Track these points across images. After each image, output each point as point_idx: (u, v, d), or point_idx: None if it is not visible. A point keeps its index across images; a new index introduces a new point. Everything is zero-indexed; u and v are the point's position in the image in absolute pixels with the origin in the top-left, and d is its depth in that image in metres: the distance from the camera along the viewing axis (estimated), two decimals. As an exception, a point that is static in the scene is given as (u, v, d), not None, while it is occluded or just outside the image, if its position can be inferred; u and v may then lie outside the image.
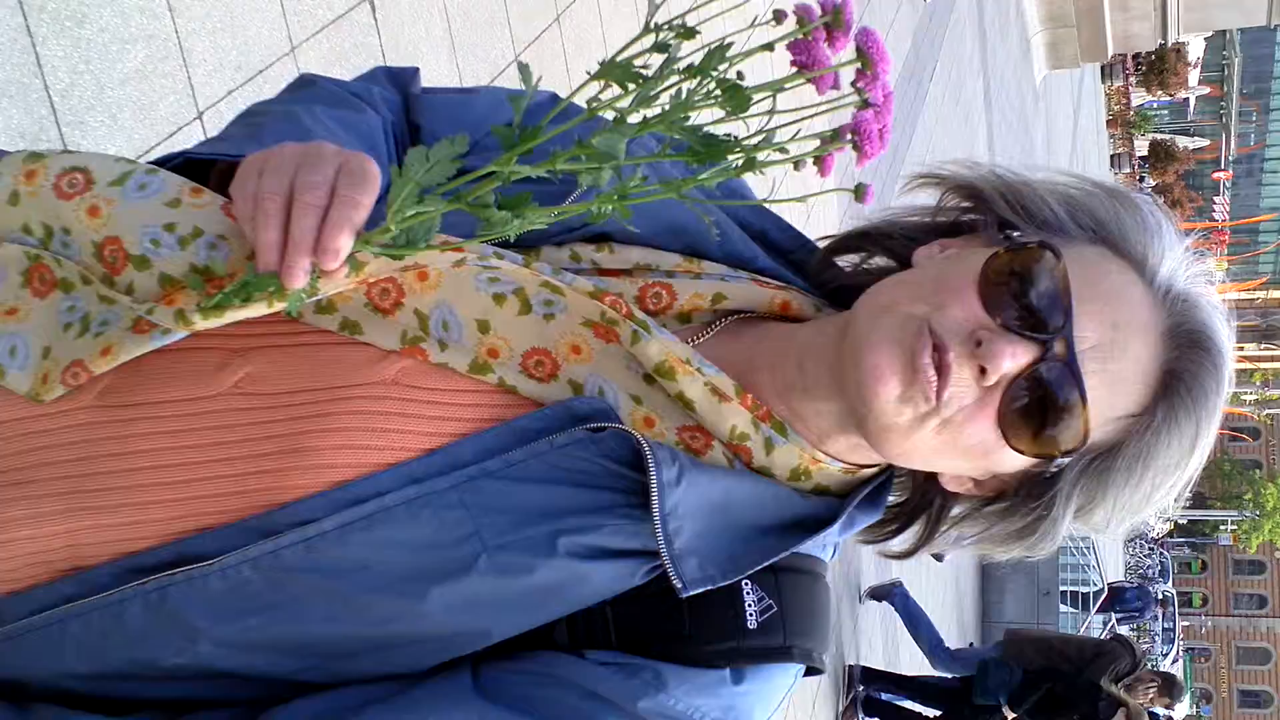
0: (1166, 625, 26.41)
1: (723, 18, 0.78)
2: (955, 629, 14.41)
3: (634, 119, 0.77)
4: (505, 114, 1.20)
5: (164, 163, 1.04)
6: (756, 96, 0.76)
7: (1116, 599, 18.66)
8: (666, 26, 0.76)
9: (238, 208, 0.87)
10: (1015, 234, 1.04)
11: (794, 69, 0.78)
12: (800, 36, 0.76)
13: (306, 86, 1.22)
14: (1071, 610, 16.72)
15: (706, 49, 0.76)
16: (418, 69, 1.29)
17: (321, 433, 0.95)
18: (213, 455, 0.95)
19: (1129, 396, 0.98)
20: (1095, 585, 17.91)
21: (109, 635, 0.94)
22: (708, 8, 0.74)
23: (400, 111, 1.22)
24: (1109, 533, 1.06)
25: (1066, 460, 0.99)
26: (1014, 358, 0.94)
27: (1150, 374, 0.99)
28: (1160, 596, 24.99)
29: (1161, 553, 36.04)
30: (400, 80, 1.26)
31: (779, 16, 0.78)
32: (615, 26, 5.33)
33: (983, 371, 0.94)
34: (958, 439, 0.98)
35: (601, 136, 0.76)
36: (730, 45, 0.75)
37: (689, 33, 0.76)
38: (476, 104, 1.23)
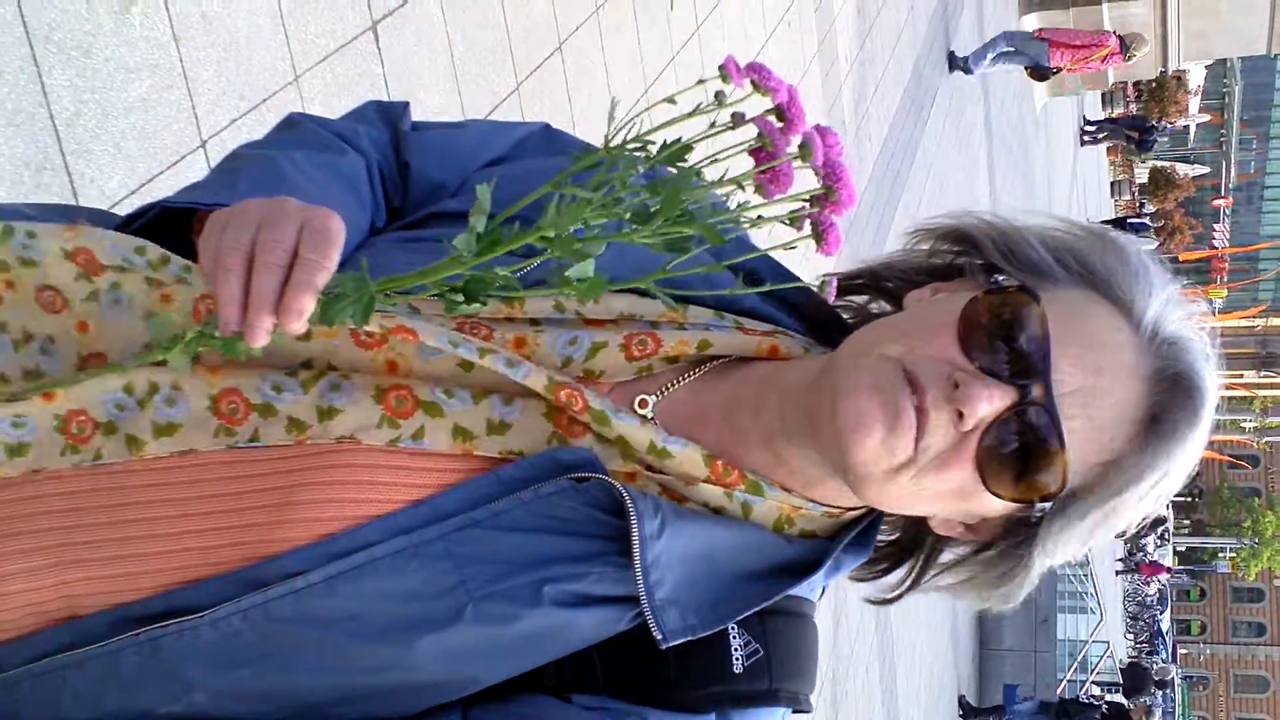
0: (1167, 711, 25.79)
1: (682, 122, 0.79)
2: (952, 657, 14.36)
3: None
4: (493, 148, 1.22)
5: (141, 213, 1.05)
6: (710, 178, 0.77)
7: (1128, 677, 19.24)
8: (631, 137, 0.77)
9: (202, 264, 0.86)
10: (1000, 278, 1.03)
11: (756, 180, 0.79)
12: (771, 168, 0.77)
13: (290, 129, 1.22)
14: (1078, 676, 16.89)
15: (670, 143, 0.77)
16: (408, 104, 1.29)
17: (310, 486, 0.96)
18: (203, 508, 0.96)
19: (1110, 441, 0.97)
20: (1093, 613, 17.91)
21: (105, 684, 0.95)
22: (667, 112, 0.76)
23: (389, 150, 1.22)
24: (1068, 559, 1.06)
25: (1048, 505, 0.98)
26: (990, 401, 0.93)
27: (1133, 419, 0.97)
28: (1159, 678, 24.56)
29: (1160, 580, 35.90)
30: (390, 116, 1.26)
31: (736, 120, 0.79)
32: (616, 55, 5.36)
33: (960, 416, 0.94)
34: (936, 484, 0.97)
35: (577, 267, 0.76)
36: (691, 149, 0.76)
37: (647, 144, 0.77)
38: (464, 139, 1.23)
